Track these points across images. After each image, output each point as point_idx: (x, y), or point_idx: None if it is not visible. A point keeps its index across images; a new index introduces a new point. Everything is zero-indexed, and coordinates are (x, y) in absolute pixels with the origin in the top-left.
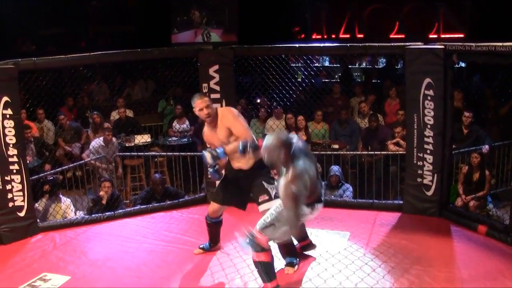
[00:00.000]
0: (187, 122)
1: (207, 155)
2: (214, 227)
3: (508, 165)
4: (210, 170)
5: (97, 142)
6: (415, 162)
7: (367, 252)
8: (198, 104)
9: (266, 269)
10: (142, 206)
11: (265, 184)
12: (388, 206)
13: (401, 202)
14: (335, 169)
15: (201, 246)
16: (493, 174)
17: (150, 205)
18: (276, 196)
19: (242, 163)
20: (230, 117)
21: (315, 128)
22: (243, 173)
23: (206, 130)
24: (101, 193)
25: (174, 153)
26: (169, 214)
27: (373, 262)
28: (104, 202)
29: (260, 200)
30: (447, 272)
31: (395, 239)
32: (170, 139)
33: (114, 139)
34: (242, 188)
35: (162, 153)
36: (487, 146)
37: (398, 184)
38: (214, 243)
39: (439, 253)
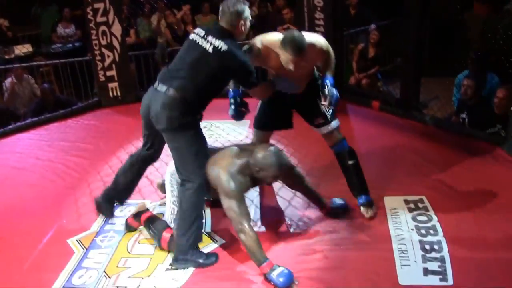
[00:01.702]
0: (72, 26)
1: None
2: None
3: (395, 43)
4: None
5: (8, 81)
6: None
7: None
8: (295, 60)
9: None
10: (34, 119)
11: (319, 103)
12: None
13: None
14: None
15: None
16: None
17: (43, 117)
18: (333, 115)
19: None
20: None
21: (204, 21)
22: (297, 97)
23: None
24: None
25: (61, 61)
26: (64, 124)
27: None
28: None
29: (316, 123)
30: None
31: (294, 122)
32: (54, 46)
33: (27, 76)
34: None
35: (48, 62)
36: (373, 26)
37: None
38: None
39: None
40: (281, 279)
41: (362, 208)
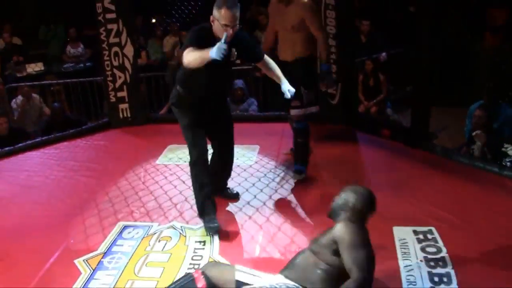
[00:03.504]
0: (81, 46)
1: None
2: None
3: (405, 71)
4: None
5: (19, 99)
6: None
7: (278, 164)
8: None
9: None
10: (43, 138)
11: (302, 89)
12: None
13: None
14: (239, 83)
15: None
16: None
17: (52, 136)
18: (309, 104)
19: (288, 55)
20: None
21: None
22: (288, 66)
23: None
24: None
25: (72, 80)
26: (73, 143)
27: (284, 173)
28: None
29: (292, 104)
30: (357, 177)
31: None
32: (65, 65)
33: (35, 95)
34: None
35: (60, 81)
36: (384, 54)
37: None
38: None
39: (348, 159)
40: None
41: (293, 174)
